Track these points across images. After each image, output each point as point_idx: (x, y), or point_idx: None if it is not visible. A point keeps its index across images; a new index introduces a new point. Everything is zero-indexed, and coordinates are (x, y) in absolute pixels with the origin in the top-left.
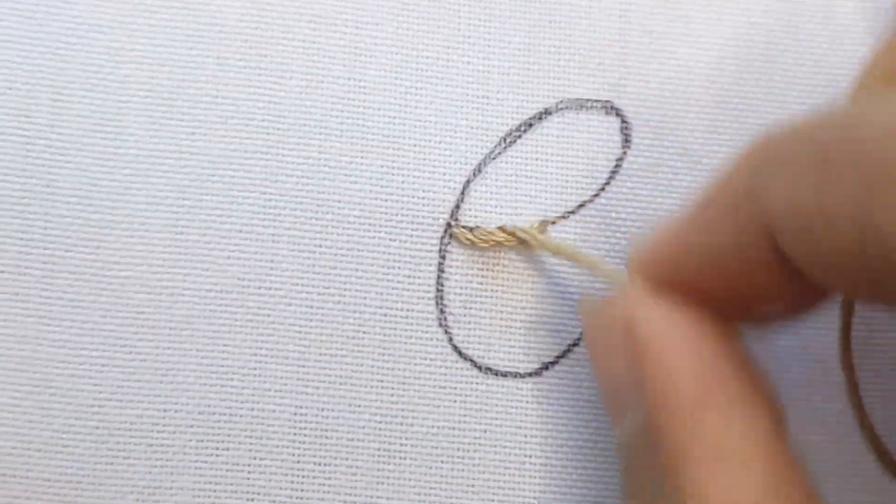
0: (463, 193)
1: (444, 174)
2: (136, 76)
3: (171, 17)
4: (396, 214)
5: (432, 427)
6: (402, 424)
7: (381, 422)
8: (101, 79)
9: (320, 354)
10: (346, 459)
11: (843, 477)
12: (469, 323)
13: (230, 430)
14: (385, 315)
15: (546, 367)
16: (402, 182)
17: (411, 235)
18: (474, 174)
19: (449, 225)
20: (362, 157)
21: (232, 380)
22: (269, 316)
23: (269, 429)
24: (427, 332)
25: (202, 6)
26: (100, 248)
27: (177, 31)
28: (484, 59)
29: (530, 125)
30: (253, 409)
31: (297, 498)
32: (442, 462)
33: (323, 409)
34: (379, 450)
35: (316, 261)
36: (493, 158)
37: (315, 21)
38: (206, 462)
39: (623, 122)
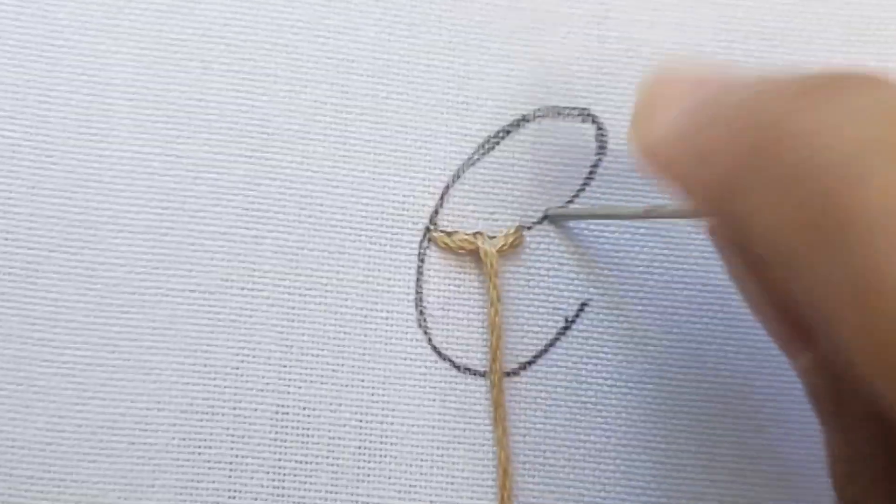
0: (442, 198)
1: (424, 179)
2: (121, 79)
3: (156, 20)
4: (377, 218)
5: (412, 426)
6: (382, 423)
7: (361, 421)
8: (87, 81)
9: (302, 355)
10: (328, 458)
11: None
12: (448, 324)
13: (212, 428)
14: (366, 316)
15: (524, 366)
16: (383, 186)
17: (391, 239)
18: (453, 180)
19: (428, 229)
20: (344, 162)
21: (214, 379)
22: (251, 317)
23: (250, 428)
24: (407, 332)
25: (187, 10)
26: (84, 249)
27: (162, 34)
28: (463, 65)
29: (508, 132)
30: (235, 409)
31: (278, 496)
32: (422, 461)
33: (304, 409)
34: (360, 448)
35: (298, 263)
36: (472, 164)
37: (298, 26)
38: (188, 460)
39: (599, 129)
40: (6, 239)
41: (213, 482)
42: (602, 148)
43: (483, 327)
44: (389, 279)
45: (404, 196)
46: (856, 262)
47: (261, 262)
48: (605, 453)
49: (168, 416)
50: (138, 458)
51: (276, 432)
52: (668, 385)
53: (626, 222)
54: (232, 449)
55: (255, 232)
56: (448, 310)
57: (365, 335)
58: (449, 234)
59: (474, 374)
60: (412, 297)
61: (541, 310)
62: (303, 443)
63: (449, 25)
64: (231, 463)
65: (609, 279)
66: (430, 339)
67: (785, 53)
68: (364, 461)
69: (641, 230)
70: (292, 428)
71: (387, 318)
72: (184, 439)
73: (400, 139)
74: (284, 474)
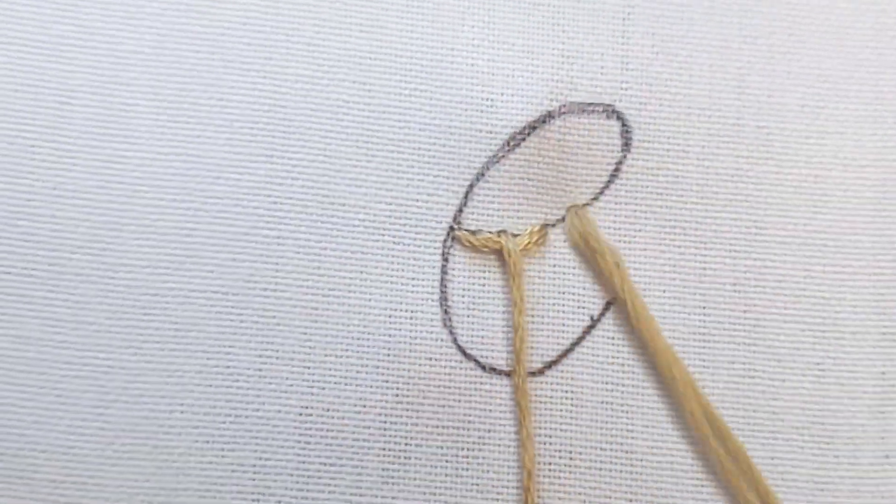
0: (466, 197)
1: (448, 177)
2: (142, 79)
3: (177, 20)
4: (400, 217)
5: (437, 426)
6: (407, 424)
7: (386, 422)
8: (108, 81)
9: (325, 355)
10: (352, 459)
11: None
12: (473, 323)
13: (236, 430)
14: (389, 316)
15: (549, 366)
16: (407, 185)
17: (415, 238)
18: (477, 178)
19: (452, 228)
20: (367, 161)
21: (238, 381)
22: (274, 317)
23: (274, 429)
24: (431, 332)
25: (208, 10)
26: (106, 251)
27: (183, 34)
28: (488, 62)
29: (533, 129)
30: (258, 410)
31: (302, 498)
32: (447, 461)
33: (328, 410)
34: (384, 449)
35: (321, 263)
36: (496, 162)
37: (319, 25)
38: (211, 463)
39: (623, 125)
40: (28, 241)
41: (237, 485)
42: (627, 144)
43: (508, 326)
44: (413, 278)
45: (428, 195)
46: None
47: (283, 263)
48: (632, 455)
49: (191, 418)
50: (161, 461)
51: (301, 434)
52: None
53: (655, 222)
54: (256, 451)
55: (277, 232)
56: (473, 308)
57: (389, 335)
58: (473, 232)
59: (500, 374)
60: (437, 296)
61: (566, 308)
62: (327, 444)
63: (472, 22)
64: (255, 465)
65: (635, 276)
66: (455, 339)
67: (812, 49)
68: (389, 463)
69: (667, 227)
70: (317, 430)
71: (411, 318)
72: (207, 442)
73: (423, 137)
74: (309, 476)
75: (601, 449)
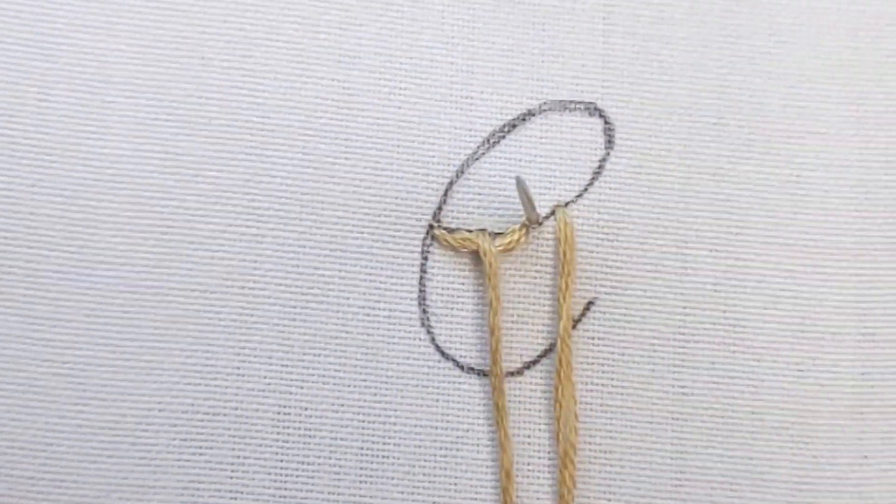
0: (445, 195)
1: (427, 175)
2: (121, 77)
3: (156, 18)
4: (379, 215)
5: (415, 426)
6: (385, 424)
7: (364, 421)
8: (87, 79)
9: (304, 354)
10: (330, 459)
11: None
12: (451, 323)
13: (214, 429)
14: (368, 315)
15: (528, 366)
16: (386, 183)
17: (394, 236)
18: (457, 176)
19: (431, 226)
20: (346, 158)
21: (216, 379)
22: (252, 316)
23: (252, 428)
24: (410, 331)
25: (187, 8)
26: (84, 248)
27: (162, 32)
28: (468, 60)
29: (514, 126)
30: (237, 409)
31: (280, 497)
32: (425, 461)
33: (306, 409)
34: (362, 449)
35: (300, 261)
36: (476, 160)
37: (299, 22)
38: (189, 461)
39: (606, 123)
40: (6, 238)
41: (215, 483)
42: (610, 142)
43: (487, 326)
44: (392, 277)
45: (407, 193)
46: None
47: (261, 261)
48: (611, 456)
49: (169, 416)
50: (139, 459)
51: (278, 433)
52: (675, 387)
53: (638, 220)
54: (233, 450)
55: (255, 230)
56: (452, 308)
57: (367, 334)
58: (451, 231)
59: (478, 374)
60: (415, 295)
61: (546, 307)
62: (304, 444)
63: (452, 20)
64: (232, 464)
65: (617, 277)
66: (433, 339)
67: (793, 49)
68: (366, 462)
69: (649, 227)
70: (294, 429)
71: (389, 317)
72: (185, 440)
73: (402, 135)
74: (286, 475)
75: (579, 449)
